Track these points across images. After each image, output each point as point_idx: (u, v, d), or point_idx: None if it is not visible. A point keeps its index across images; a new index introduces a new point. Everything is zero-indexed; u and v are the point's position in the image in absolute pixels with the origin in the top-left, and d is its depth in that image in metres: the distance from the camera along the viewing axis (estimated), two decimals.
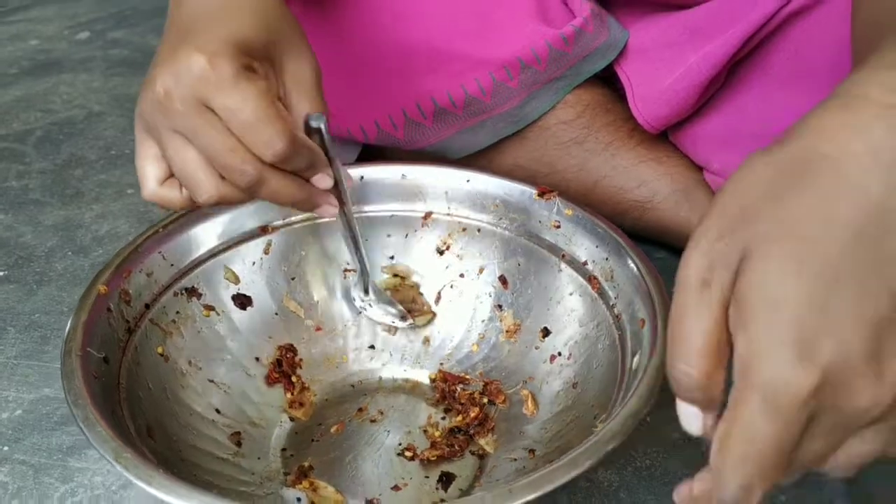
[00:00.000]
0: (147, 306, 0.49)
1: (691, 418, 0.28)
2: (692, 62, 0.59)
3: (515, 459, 0.48)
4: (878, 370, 0.25)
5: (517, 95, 0.61)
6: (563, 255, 0.53)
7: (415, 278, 0.58)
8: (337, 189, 0.45)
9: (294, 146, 0.39)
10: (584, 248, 0.52)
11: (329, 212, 0.46)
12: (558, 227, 0.53)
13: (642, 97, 0.62)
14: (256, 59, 0.40)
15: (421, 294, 0.58)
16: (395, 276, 0.58)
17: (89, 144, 0.92)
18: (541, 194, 0.54)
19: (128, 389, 0.43)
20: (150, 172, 0.42)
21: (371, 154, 0.68)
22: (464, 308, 0.57)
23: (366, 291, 0.55)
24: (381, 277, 0.58)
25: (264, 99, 0.38)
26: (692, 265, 0.28)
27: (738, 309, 0.26)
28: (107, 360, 0.43)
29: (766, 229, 0.27)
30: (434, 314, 0.57)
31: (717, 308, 0.27)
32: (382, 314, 0.56)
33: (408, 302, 0.57)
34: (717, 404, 0.27)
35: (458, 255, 0.57)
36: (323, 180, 0.43)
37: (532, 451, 0.48)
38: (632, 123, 0.64)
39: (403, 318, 0.56)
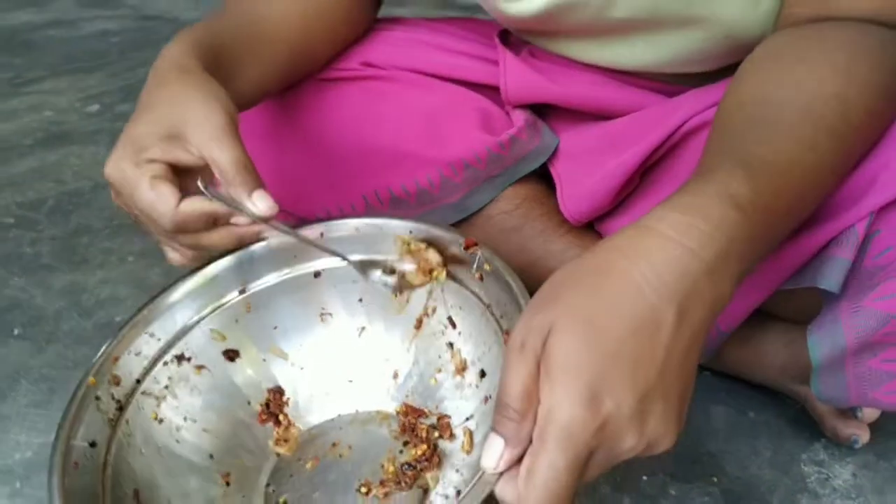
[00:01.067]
0: (138, 381, 0.56)
1: (495, 454, 0.38)
2: (610, 167, 0.70)
3: (447, 497, 0.57)
4: (641, 428, 0.36)
5: (461, 189, 0.73)
6: (488, 305, 0.58)
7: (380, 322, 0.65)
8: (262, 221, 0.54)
9: (180, 220, 0.50)
10: (499, 301, 0.55)
11: (260, 235, 0.57)
12: (481, 279, 0.58)
13: (569, 194, 0.73)
14: (160, 144, 0.50)
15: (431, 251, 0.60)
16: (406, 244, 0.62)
17: (95, 214, 1.03)
18: (466, 247, 0.59)
19: (114, 464, 0.51)
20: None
21: None
22: (426, 343, 0.63)
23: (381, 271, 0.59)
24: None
25: (149, 193, 0.49)
26: (516, 333, 0.39)
27: (545, 367, 0.37)
28: (94, 444, 0.51)
29: (568, 311, 0.38)
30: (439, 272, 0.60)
31: (531, 364, 0.37)
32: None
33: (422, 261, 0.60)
34: (524, 442, 0.37)
35: (416, 292, 0.62)
36: (237, 225, 0.54)
37: (458, 491, 0.57)
38: (563, 215, 0.75)
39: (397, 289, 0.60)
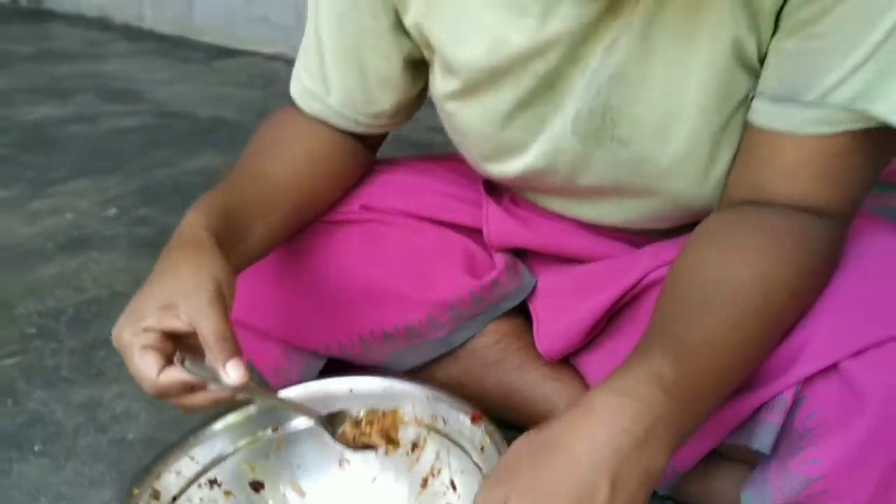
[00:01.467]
0: (174, 498, 0.65)
1: None
2: (580, 311, 0.77)
3: None
4: None
5: (447, 327, 0.80)
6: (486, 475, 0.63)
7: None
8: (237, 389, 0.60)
9: (160, 389, 0.57)
10: None
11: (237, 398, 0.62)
12: (482, 450, 0.65)
13: (544, 332, 0.80)
14: (156, 313, 0.57)
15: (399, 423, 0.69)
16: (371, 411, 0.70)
17: (111, 325, 1.09)
18: (473, 419, 0.67)
19: None
20: None
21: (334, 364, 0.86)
22: (429, 501, 0.69)
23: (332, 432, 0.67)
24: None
25: (136, 361, 0.56)
26: (480, 501, 0.46)
27: None
28: None
29: (522, 486, 0.46)
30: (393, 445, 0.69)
31: None
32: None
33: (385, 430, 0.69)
34: None
35: (426, 452, 0.70)
36: (212, 392, 0.59)
37: None
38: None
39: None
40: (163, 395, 0.59)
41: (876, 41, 0.54)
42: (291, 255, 0.84)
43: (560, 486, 0.46)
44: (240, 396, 0.63)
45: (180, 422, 0.87)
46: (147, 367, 0.57)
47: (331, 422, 0.68)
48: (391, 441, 0.69)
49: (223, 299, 0.60)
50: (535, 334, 0.81)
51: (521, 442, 0.50)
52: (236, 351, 0.59)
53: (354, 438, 0.68)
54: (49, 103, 2.19)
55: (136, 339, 0.58)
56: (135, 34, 3.21)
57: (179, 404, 0.61)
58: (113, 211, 1.48)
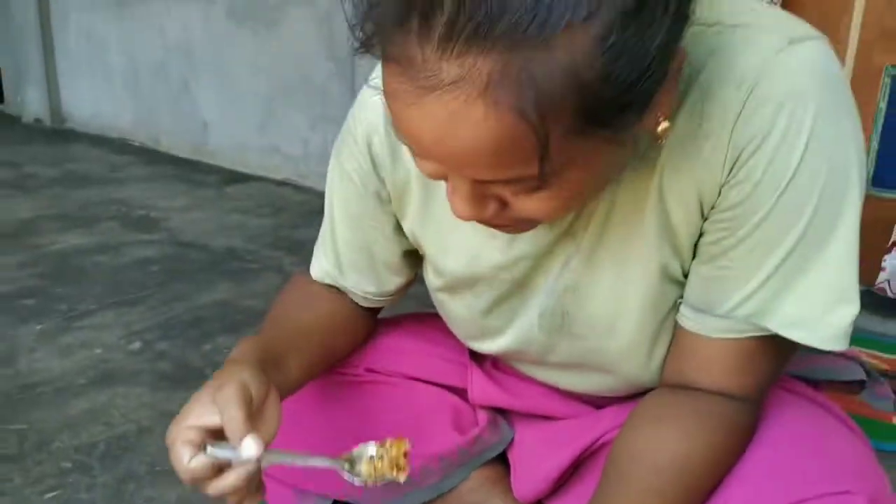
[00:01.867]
0: None
1: None
2: (550, 462, 0.91)
3: None
4: None
5: (437, 474, 0.94)
6: None
7: None
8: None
9: (190, 473, 0.65)
10: None
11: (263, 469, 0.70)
12: None
13: (519, 479, 0.94)
14: (197, 411, 0.66)
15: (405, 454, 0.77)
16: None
17: (139, 460, 1.24)
18: None
19: None
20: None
21: None
22: None
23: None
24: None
25: (173, 454, 0.65)
26: None
27: None
28: None
29: None
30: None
31: None
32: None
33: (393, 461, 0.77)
34: None
35: None
36: (238, 470, 0.67)
37: None
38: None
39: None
40: (195, 481, 0.67)
41: (770, 269, 0.69)
42: (300, 406, 0.98)
43: None
44: (263, 465, 0.69)
45: None
46: (180, 456, 0.66)
47: (350, 466, 0.77)
48: (400, 468, 0.76)
49: (247, 393, 0.69)
50: (512, 481, 0.95)
51: None
52: (249, 430, 0.66)
53: (372, 474, 0.77)
54: (75, 231, 2.37)
55: (177, 435, 0.67)
56: (152, 157, 3.45)
57: (214, 490, 0.68)
58: (137, 345, 1.63)
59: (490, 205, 0.60)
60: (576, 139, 0.52)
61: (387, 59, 0.53)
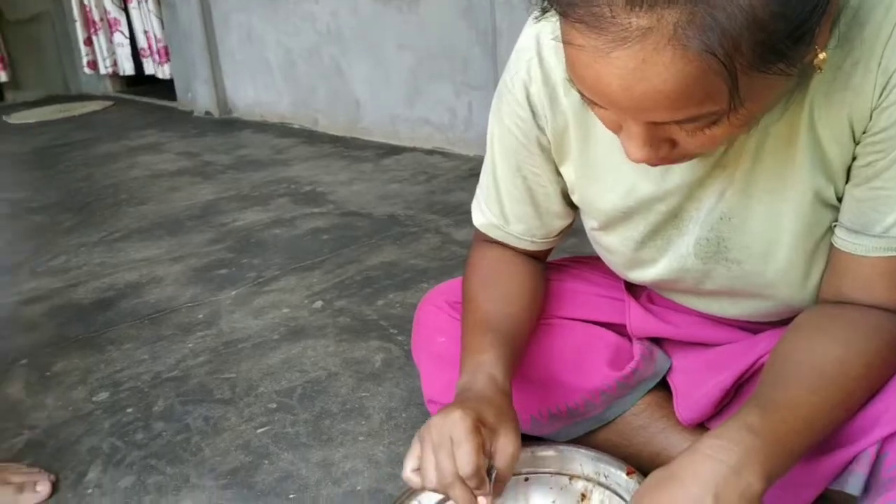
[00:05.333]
0: None
1: None
2: (711, 385, 0.97)
3: None
4: None
5: (601, 406, 1.02)
6: None
7: None
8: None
9: (475, 471, 0.77)
10: None
11: None
12: None
13: (682, 403, 1.00)
14: (482, 425, 0.78)
15: None
16: None
17: (331, 400, 1.39)
18: (628, 473, 0.91)
19: None
20: (408, 464, 0.84)
21: None
22: None
23: None
24: None
25: (472, 442, 0.76)
26: None
27: None
28: None
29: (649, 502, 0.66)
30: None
31: None
32: None
33: None
34: None
35: (592, 501, 0.92)
36: (483, 501, 0.78)
37: None
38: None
39: None
40: (470, 478, 0.75)
41: None
42: None
43: (676, 502, 0.66)
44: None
45: (395, 477, 1.13)
46: (473, 450, 0.74)
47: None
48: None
49: (478, 444, 0.77)
50: (674, 405, 1.01)
51: (651, 477, 0.70)
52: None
53: None
54: (253, 209, 2.61)
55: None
56: (311, 137, 3.69)
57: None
58: (318, 304, 1.80)
59: (663, 146, 0.67)
60: (757, 73, 0.58)
61: (571, 19, 0.59)
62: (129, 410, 1.43)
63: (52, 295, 2.03)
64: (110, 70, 5.49)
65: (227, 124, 4.25)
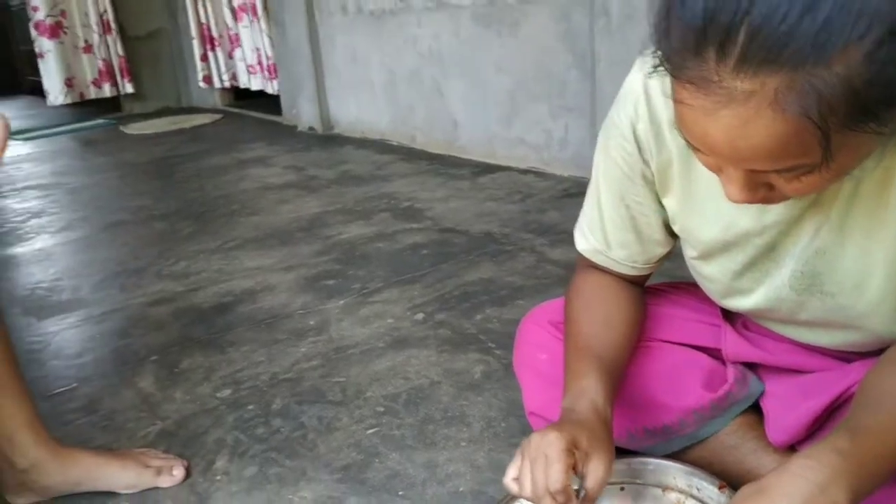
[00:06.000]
0: None
1: None
2: (802, 409, 1.01)
3: None
4: None
5: (693, 426, 1.08)
6: None
7: None
8: None
9: (562, 488, 0.84)
10: None
11: None
12: None
13: (773, 428, 1.05)
14: (576, 448, 0.88)
15: None
16: None
17: (434, 407, 1.49)
18: (720, 487, 0.97)
19: None
20: (510, 472, 0.92)
21: None
22: None
23: None
24: None
25: (563, 462, 0.84)
26: None
27: None
28: None
29: None
30: None
31: None
32: None
33: None
34: None
35: None
36: None
37: None
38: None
39: None
40: (558, 495, 0.82)
41: None
42: None
43: None
44: None
45: (495, 481, 1.22)
46: (562, 470, 0.82)
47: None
48: None
49: (569, 464, 0.84)
50: (766, 427, 1.06)
51: (741, 491, 0.76)
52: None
53: None
54: (356, 223, 2.75)
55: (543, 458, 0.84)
56: (410, 154, 3.83)
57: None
58: (420, 316, 1.91)
59: (760, 189, 0.74)
60: (849, 132, 0.65)
61: (682, 80, 0.67)
62: (250, 407, 1.56)
63: (175, 297, 2.21)
64: (228, 84, 5.80)
65: (329, 140, 4.45)
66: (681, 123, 0.71)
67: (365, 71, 4.22)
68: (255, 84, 5.34)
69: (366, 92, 4.26)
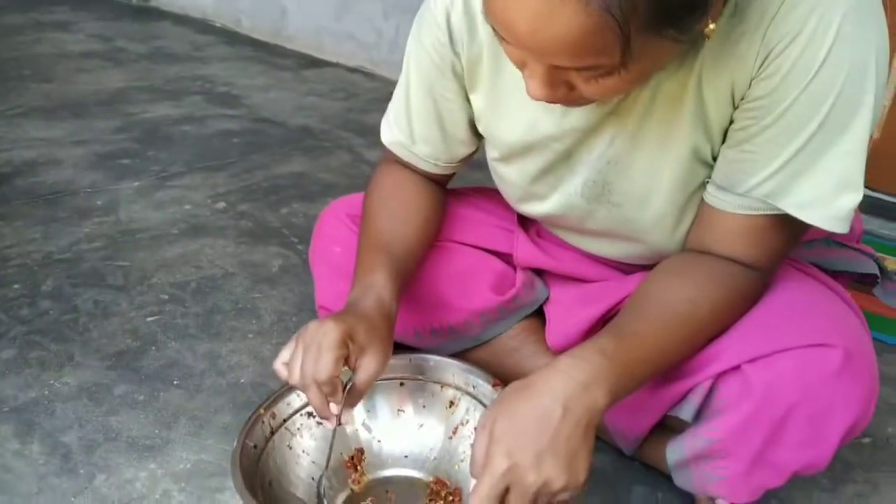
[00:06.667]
0: (284, 420, 0.94)
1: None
2: (581, 317, 1.05)
3: None
4: (538, 471, 0.69)
5: (479, 328, 1.09)
6: None
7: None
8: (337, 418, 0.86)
9: (328, 378, 0.82)
10: None
11: (327, 424, 0.87)
12: None
13: (553, 331, 1.08)
14: (352, 341, 0.85)
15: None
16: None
17: (224, 298, 1.42)
18: (494, 385, 0.98)
19: (266, 462, 0.88)
20: (281, 356, 0.88)
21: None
22: (458, 442, 0.98)
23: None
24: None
25: (333, 353, 0.81)
26: (482, 420, 0.74)
27: (491, 439, 0.72)
28: (256, 447, 0.89)
29: (504, 409, 0.73)
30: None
31: (486, 438, 0.72)
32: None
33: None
34: None
35: (459, 408, 1.00)
36: (334, 407, 0.85)
37: None
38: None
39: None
40: (325, 385, 0.81)
41: (788, 155, 0.79)
42: None
43: (528, 410, 0.72)
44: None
45: None
46: (334, 359, 0.81)
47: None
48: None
49: (343, 353, 0.83)
50: (546, 332, 1.09)
51: (510, 386, 0.77)
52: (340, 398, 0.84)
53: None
54: (163, 102, 2.54)
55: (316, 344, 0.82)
56: (232, 38, 3.58)
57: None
58: (221, 205, 1.80)
59: (561, 88, 0.72)
60: (650, 35, 0.64)
61: None
62: (16, 286, 1.41)
63: None
64: None
65: (144, 11, 4.06)
66: (488, 7, 0.67)
67: None
68: None
69: None
